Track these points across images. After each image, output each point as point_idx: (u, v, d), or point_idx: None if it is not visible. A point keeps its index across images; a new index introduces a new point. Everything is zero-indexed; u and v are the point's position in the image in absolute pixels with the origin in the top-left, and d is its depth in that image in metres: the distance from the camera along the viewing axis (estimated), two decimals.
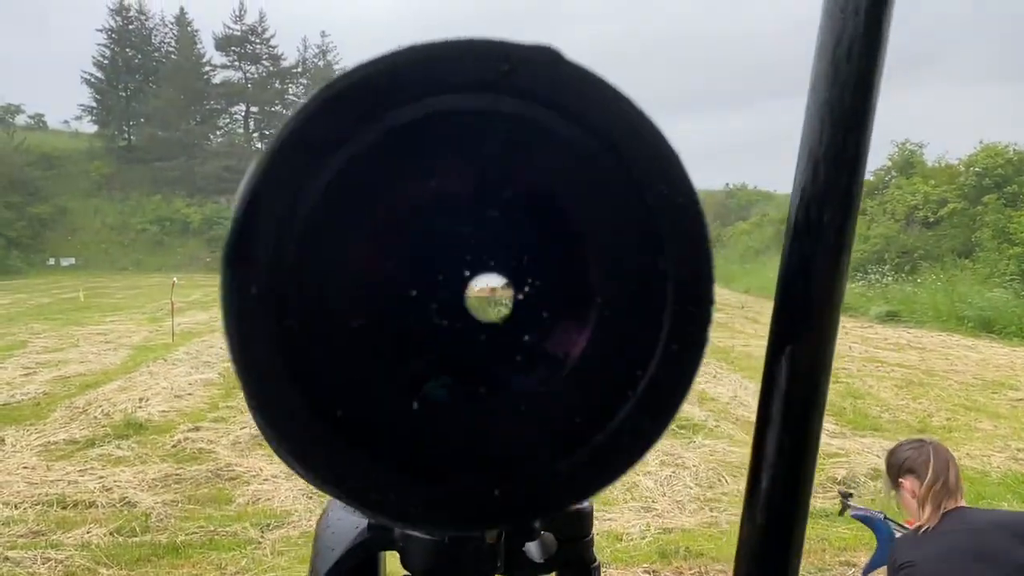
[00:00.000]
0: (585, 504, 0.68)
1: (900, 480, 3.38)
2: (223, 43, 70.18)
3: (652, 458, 7.77)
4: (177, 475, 7.92)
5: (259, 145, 64.06)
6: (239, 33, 70.37)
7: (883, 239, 30.62)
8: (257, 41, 70.93)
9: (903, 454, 3.41)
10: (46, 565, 5.93)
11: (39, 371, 13.27)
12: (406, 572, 0.57)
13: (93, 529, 6.57)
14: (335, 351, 0.35)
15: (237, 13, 70.61)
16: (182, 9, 70.33)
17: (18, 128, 62.39)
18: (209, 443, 8.91)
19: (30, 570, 5.85)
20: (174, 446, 8.86)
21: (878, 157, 34.92)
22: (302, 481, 0.49)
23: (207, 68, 70.51)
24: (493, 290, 0.37)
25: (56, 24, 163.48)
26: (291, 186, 0.33)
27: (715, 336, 0.42)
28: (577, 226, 0.36)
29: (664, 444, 7.85)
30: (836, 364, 0.98)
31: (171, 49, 71.02)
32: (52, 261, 50.24)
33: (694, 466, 8.19)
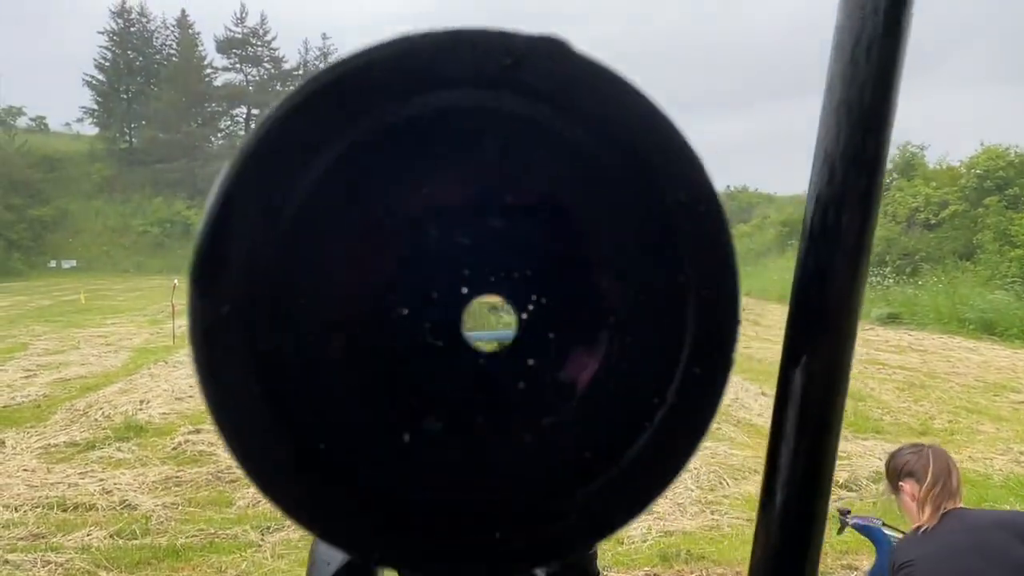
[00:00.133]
0: None
1: (900, 484, 3.41)
2: (224, 45, 70.26)
3: None
4: (177, 478, 7.90)
5: None
6: (240, 36, 70.45)
7: (884, 241, 30.55)
8: (258, 43, 71.01)
9: (903, 458, 3.44)
10: (46, 568, 5.92)
11: (40, 373, 13.27)
12: None
13: (93, 532, 6.56)
14: (316, 378, 0.31)
15: (238, 15, 70.73)
16: (183, 11, 70.37)
17: (19, 130, 62.44)
18: (210, 445, 8.87)
19: (30, 573, 5.85)
20: (174, 448, 8.84)
21: None
22: None
23: (208, 70, 70.57)
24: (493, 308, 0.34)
25: (57, 26, 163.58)
26: (268, 193, 0.30)
27: None
28: (587, 237, 0.33)
29: None
30: None
31: (172, 51, 71.08)
32: (53, 263, 50.25)
33: (695, 468, 8.16)
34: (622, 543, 6.40)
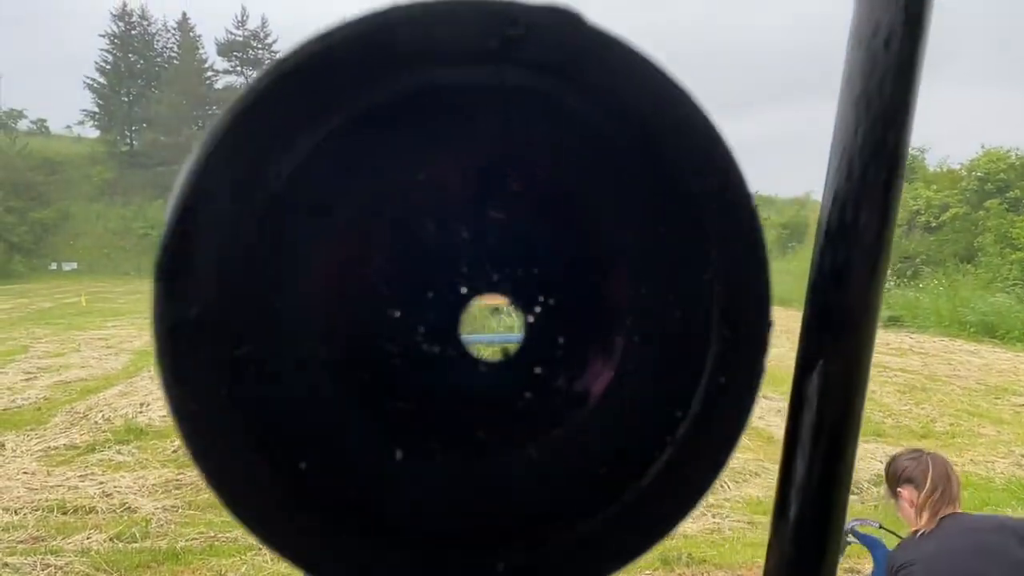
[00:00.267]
0: None
1: (899, 490, 3.43)
2: (225, 48, 70.27)
3: None
4: (177, 480, 7.89)
5: None
6: (241, 38, 70.44)
7: None
8: (259, 46, 70.95)
9: (902, 464, 3.46)
10: (45, 571, 5.91)
11: (40, 376, 13.25)
12: None
13: (93, 535, 6.56)
14: (297, 388, 0.27)
15: (239, 18, 70.71)
16: (184, 14, 70.36)
17: (20, 133, 62.41)
18: None
19: None
20: (175, 451, 8.81)
21: None
22: None
23: (209, 73, 70.54)
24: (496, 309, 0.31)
25: (58, 29, 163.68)
26: (242, 181, 0.26)
27: None
28: (600, 230, 0.29)
29: None
30: None
31: (173, 54, 71.10)
32: (54, 266, 50.22)
33: None
34: None
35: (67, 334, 18.86)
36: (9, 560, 6.04)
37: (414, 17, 0.27)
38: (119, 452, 8.84)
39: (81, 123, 69.03)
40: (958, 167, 33.52)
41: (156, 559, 6.20)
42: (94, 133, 68.13)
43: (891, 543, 3.55)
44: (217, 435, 0.27)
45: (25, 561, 6.02)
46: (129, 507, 7.20)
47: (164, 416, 10.31)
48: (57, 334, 18.92)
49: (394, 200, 0.28)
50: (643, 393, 0.29)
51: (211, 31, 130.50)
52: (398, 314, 0.29)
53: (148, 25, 70.54)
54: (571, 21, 0.28)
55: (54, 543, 6.43)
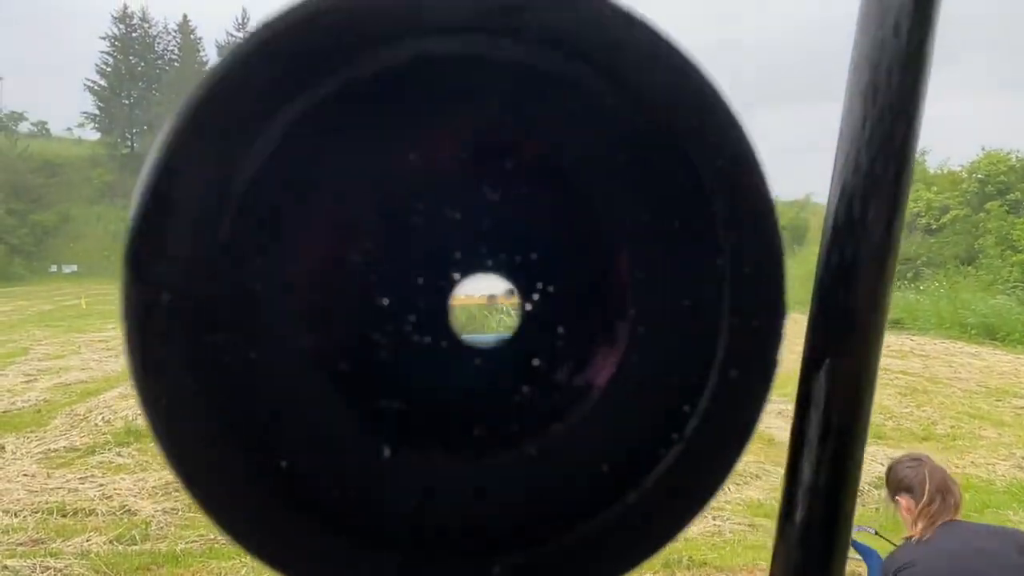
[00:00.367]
0: None
1: (897, 498, 3.46)
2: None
3: None
4: (178, 483, 7.88)
5: None
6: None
7: None
8: None
9: (901, 472, 3.48)
10: (45, 574, 5.91)
11: (40, 378, 13.24)
12: None
13: (93, 537, 6.55)
14: (277, 381, 0.25)
15: (240, 21, 70.71)
16: (185, 17, 70.41)
17: (21, 135, 62.44)
18: None
19: None
20: None
21: None
22: None
23: None
24: (491, 297, 0.28)
25: (59, 31, 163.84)
26: (218, 157, 0.24)
27: None
28: (603, 212, 0.27)
29: None
30: None
31: (174, 57, 71.15)
32: (54, 268, 50.23)
33: None
34: None
35: (67, 336, 18.85)
36: (8, 563, 6.03)
37: None
38: (119, 454, 8.82)
39: (82, 125, 69.18)
40: (959, 169, 33.56)
41: (156, 562, 6.19)
42: (95, 135, 68.23)
43: (886, 549, 3.57)
44: (190, 429, 0.25)
45: (24, 564, 6.01)
46: (129, 509, 7.19)
47: None
48: (57, 336, 18.91)
49: (383, 180, 0.26)
50: (649, 387, 0.27)
51: (212, 33, 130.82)
52: (386, 302, 0.27)
53: (149, 27, 70.61)
54: None
55: (53, 545, 6.42)
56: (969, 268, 27.61)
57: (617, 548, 0.27)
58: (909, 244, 30.95)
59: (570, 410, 0.27)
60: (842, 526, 0.41)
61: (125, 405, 10.88)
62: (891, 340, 19.94)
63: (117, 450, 8.96)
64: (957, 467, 8.35)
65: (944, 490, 3.31)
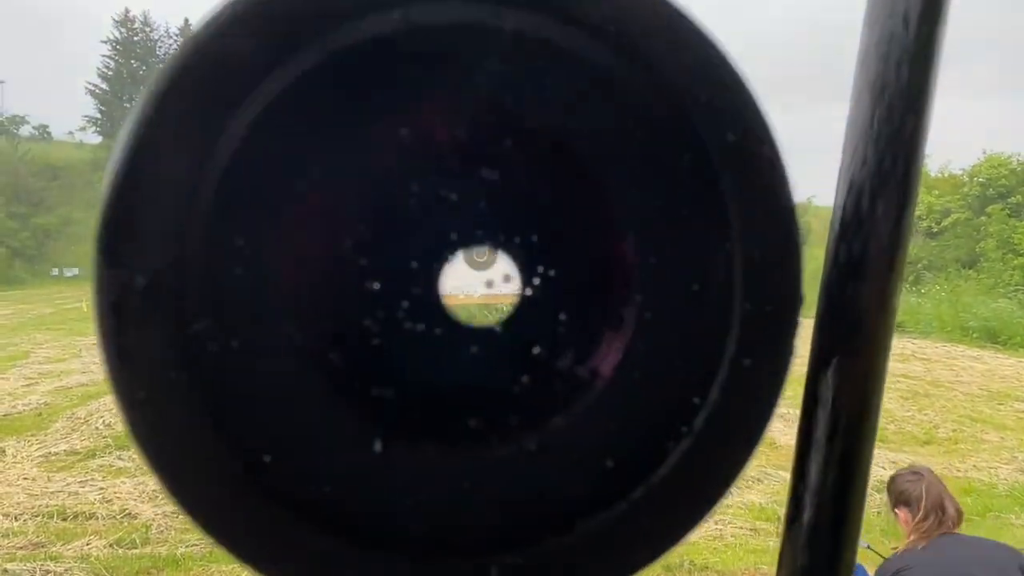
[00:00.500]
0: None
1: (896, 510, 3.58)
2: None
3: None
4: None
5: None
6: None
7: None
8: None
9: (901, 485, 3.59)
10: None
11: (41, 381, 13.24)
12: None
13: (93, 541, 6.55)
14: (261, 371, 0.24)
15: None
16: (186, 20, 70.45)
17: (22, 139, 62.55)
18: None
19: None
20: None
21: None
22: None
23: None
24: (489, 283, 0.27)
25: (60, 35, 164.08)
26: (196, 133, 0.23)
27: None
28: (606, 189, 0.25)
29: None
30: None
31: None
32: (56, 271, 50.27)
33: None
34: None
35: (68, 340, 18.85)
36: (8, 566, 6.03)
37: None
38: (119, 458, 8.82)
39: (83, 129, 69.36)
40: (960, 172, 33.58)
41: (156, 565, 6.18)
42: (96, 139, 68.36)
43: (878, 563, 3.63)
44: (168, 423, 0.24)
45: (24, 567, 6.01)
46: (129, 513, 7.18)
47: None
48: (58, 340, 18.92)
49: (373, 157, 0.25)
50: (656, 377, 0.26)
51: None
52: (377, 287, 0.25)
53: (150, 31, 70.81)
54: None
55: (54, 549, 6.41)
56: (970, 272, 27.61)
57: (621, 549, 0.26)
58: (910, 247, 30.99)
59: (572, 401, 0.26)
60: (850, 528, 0.40)
61: None
62: (892, 343, 19.92)
63: (118, 454, 8.96)
64: (959, 471, 8.33)
65: (939, 507, 3.41)
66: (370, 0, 0.23)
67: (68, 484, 7.93)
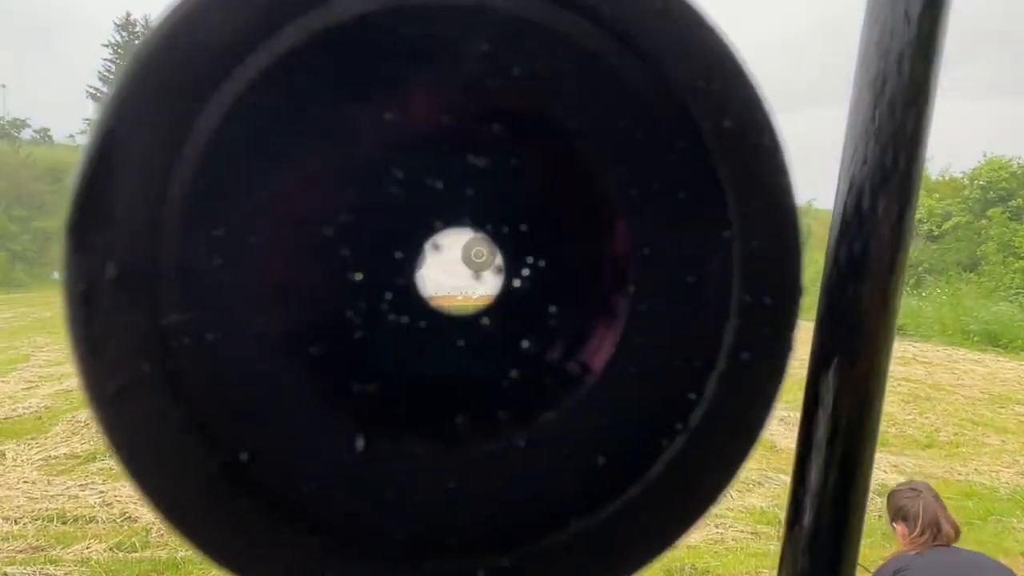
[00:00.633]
0: None
1: (894, 524, 3.70)
2: None
3: None
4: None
5: None
6: None
7: None
8: None
9: (899, 501, 3.70)
10: None
11: (41, 385, 13.23)
12: None
13: (93, 544, 6.54)
14: (238, 365, 0.23)
15: None
16: None
17: (24, 142, 62.61)
18: None
19: None
20: None
21: None
22: None
23: None
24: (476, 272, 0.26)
25: (61, 39, 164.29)
26: (171, 114, 0.22)
27: None
28: (599, 176, 0.24)
29: None
30: None
31: None
32: (56, 275, 50.24)
33: None
34: None
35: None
36: (8, 570, 6.02)
37: None
38: None
39: (84, 132, 69.40)
40: (960, 175, 33.60)
41: (156, 569, 6.18)
42: None
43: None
44: (140, 420, 0.23)
45: (24, 571, 6.01)
46: (129, 516, 7.17)
47: None
48: (58, 343, 18.87)
49: (356, 142, 0.24)
50: (650, 371, 0.25)
51: None
52: (359, 278, 0.24)
53: None
54: None
55: (54, 553, 6.41)
56: (971, 275, 27.61)
57: (614, 550, 0.24)
58: (911, 250, 31.02)
59: (563, 396, 0.25)
60: (851, 531, 0.39)
61: None
62: (893, 347, 19.91)
63: None
64: (960, 474, 8.32)
65: (935, 525, 3.50)
66: None
67: (68, 488, 7.93)
